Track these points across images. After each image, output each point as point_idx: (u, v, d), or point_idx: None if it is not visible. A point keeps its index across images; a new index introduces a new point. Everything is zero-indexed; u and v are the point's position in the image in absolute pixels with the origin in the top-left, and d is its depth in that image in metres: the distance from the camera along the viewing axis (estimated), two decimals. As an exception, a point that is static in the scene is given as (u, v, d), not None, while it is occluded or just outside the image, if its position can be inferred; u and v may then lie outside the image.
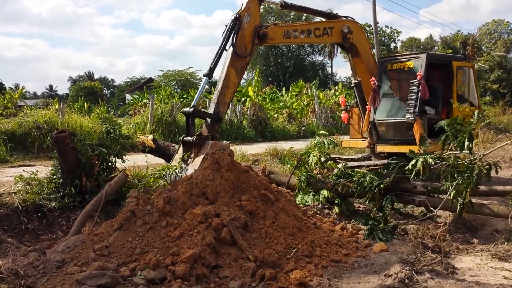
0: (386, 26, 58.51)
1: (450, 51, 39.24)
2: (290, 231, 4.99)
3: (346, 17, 9.43)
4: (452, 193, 5.46)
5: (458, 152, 5.49)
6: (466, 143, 5.15)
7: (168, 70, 43.78)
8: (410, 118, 8.35)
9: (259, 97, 22.43)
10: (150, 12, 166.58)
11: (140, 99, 27.34)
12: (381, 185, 6.33)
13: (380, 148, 9.37)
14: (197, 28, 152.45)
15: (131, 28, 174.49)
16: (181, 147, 6.79)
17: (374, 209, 6.52)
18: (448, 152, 5.49)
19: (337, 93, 25.99)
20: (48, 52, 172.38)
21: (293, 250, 4.61)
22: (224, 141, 7.06)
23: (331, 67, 62.84)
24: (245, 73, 8.30)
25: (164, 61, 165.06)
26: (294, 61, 63.30)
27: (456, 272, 4.46)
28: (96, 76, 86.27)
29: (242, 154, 12.20)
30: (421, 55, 9.02)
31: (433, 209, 5.70)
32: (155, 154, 9.66)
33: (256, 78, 24.05)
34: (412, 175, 5.65)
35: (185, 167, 6.41)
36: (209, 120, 6.91)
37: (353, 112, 10.46)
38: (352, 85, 10.25)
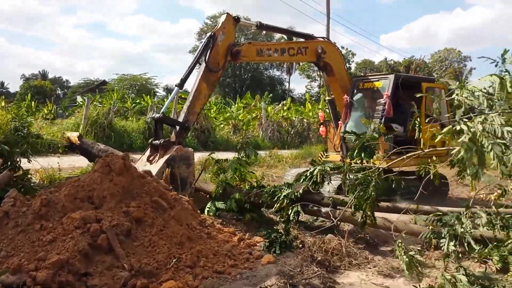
0: (342, 47, 59.93)
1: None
2: (178, 240, 4.79)
3: (323, 38, 10.17)
4: (352, 205, 5.48)
5: (359, 164, 5.53)
6: (362, 155, 5.18)
7: (123, 74, 42.54)
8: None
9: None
10: (114, 16, 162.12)
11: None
12: (290, 196, 6.25)
13: (348, 162, 9.51)
14: (161, 35, 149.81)
15: (93, 30, 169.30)
16: (149, 149, 7.13)
17: (282, 220, 6.41)
18: (346, 165, 5.50)
19: (285, 108, 26.20)
20: (6, 49, 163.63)
21: (174, 260, 4.42)
22: (189, 148, 7.29)
23: (289, 82, 63.75)
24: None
25: (125, 66, 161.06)
26: (252, 74, 63.63)
27: (335, 287, 4.40)
28: (51, 76, 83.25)
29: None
30: (389, 75, 9.57)
31: (333, 220, 5.69)
32: (78, 151, 9.56)
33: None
34: (310, 184, 5.64)
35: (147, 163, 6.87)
36: (177, 127, 7.29)
37: (330, 127, 10.72)
38: (326, 101, 10.82)
